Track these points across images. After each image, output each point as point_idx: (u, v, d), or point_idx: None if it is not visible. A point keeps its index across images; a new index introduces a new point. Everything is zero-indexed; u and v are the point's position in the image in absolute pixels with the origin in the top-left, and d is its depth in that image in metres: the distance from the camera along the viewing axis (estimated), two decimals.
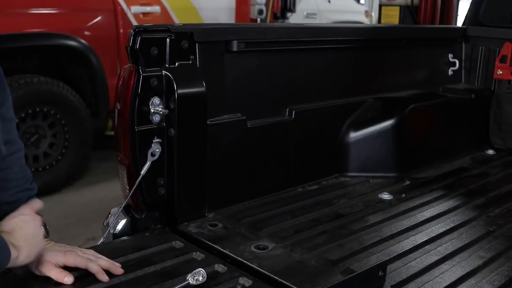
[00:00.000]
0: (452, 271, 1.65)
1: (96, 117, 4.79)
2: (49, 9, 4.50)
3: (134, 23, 4.91)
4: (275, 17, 6.09)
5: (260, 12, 5.76)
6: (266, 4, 5.83)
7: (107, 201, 3.93)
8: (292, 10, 6.24)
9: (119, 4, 4.83)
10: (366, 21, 8.52)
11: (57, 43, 4.45)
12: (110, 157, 5.04)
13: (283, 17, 6.19)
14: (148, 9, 5.06)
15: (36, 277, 1.45)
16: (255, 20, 5.79)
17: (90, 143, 4.71)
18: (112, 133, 4.92)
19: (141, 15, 4.99)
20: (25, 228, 1.36)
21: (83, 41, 4.55)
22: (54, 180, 4.39)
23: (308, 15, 7.01)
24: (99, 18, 4.78)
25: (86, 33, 4.64)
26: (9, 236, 1.31)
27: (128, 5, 4.88)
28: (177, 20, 5.24)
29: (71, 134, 4.51)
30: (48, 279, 1.44)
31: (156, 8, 5.12)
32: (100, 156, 5.13)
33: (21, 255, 1.32)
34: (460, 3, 7.65)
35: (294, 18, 6.44)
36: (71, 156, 4.53)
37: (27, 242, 1.34)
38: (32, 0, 4.41)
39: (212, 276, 1.54)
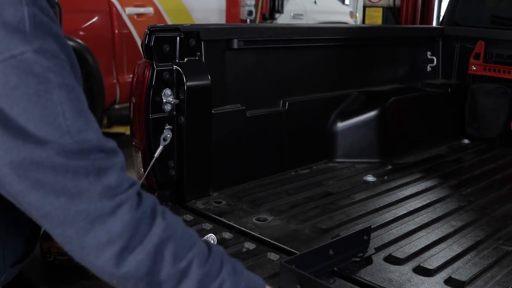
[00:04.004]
0: (427, 237, 1.91)
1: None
2: None
3: (129, 24, 5.11)
4: (263, 18, 6.34)
5: (250, 13, 6.00)
6: (256, 6, 6.07)
7: None
8: (280, 11, 6.49)
9: (114, 5, 5.02)
10: (351, 21, 8.77)
11: None
12: None
13: (272, 18, 6.44)
14: (141, 10, 5.24)
15: None
16: (245, 21, 6.03)
17: None
18: (107, 130, 5.16)
19: (135, 16, 5.17)
20: None
21: (79, 41, 4.73)
22: None
23: (295, 16, 7.25)
24: (95, 19, 4.97)
25: (83, 33, 4.82)
26: None
27: (123, 6, 5.07)
28: (170, 21, 5.42)
29: None
30: None
31: (149, 10, 5.30)
32: None
33: None
34: (443, 3, 7.92)
35: (282, 19, 6.68)
36: None
37: None
38: None
39: (220, 242, 1.78)
